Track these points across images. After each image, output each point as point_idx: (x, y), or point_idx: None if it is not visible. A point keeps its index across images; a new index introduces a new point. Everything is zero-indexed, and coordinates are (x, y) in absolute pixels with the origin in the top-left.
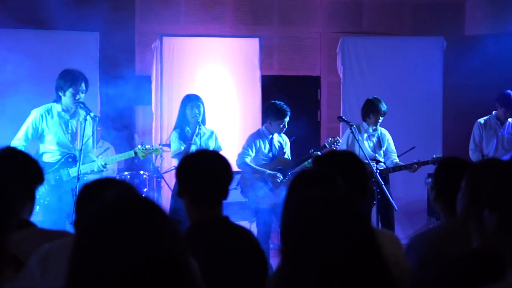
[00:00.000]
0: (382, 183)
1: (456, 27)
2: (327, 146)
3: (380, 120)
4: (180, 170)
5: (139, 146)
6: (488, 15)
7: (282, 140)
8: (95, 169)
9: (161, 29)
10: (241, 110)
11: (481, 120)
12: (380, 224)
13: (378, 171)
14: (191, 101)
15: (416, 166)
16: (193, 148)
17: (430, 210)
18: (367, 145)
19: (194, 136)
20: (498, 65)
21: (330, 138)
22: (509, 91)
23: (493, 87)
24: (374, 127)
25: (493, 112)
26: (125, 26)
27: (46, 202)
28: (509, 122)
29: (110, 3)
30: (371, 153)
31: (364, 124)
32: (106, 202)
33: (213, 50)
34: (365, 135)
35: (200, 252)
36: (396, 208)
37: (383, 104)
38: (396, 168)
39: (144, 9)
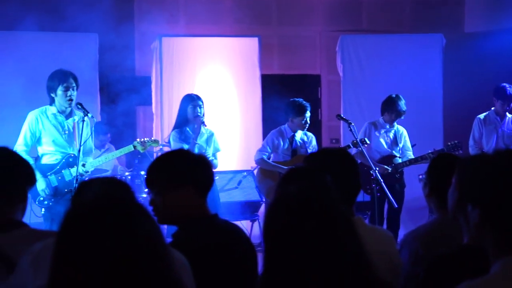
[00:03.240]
0: (382, 181)
1: (455, 24)
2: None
3: (397, 119)
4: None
5: (138, 140)
6: (487, 12)
7: (306, 138)
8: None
9: (160, 30)
10: (241, 110)
11: (481, 116)
12: (384, 222)
13: (393, 165)
14: (193, 100)
15: (431, 155)
16: (196, 148)
17: None
18: (383, 141)
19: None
20: (497, 61)
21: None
22: (504, 84)
23: (492, 83)
24: (391, 124)
25: (492, 108)
26: (124, 27)
27: (50, 204)
28: (509, 117)
29: (109, 4)
30: (387, 149)
31: (381, 120)
32: (81, 201)
33: (212, 50)
34: (382, 131)
35: (193, 250)
36: (396, 205)
37: (403, 102)
38: (412, 161)
39: (142, 10)
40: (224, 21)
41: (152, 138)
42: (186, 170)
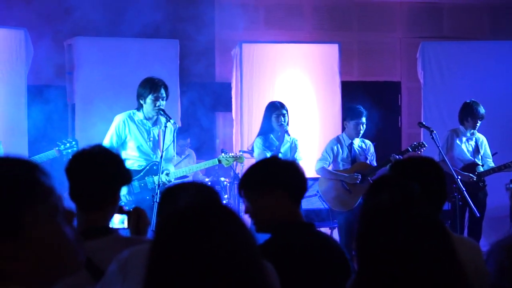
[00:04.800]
0: (464, 189)
1: None
2: (410, 150)
3: (478, 124)
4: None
5: (223, 154)
6: None
7: (364, 145)
8: (162, 181)
9: (240, 36)
10: (321, 117)
11: None
12: (465, 231)
13: (477, 173)
14: (277, 109)
15: None
16: (280, 156)
17: None
18: (465, 149)
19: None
20: None
21: (415, 143)
22: None
23: None
24: (472, 131)
25: None
26: (205, 33)
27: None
28: None
29: (190, 11)
30: (470, 157)
31: (462, 128)
32: (178, 208)
33: (292, 56)
34: (464, 139)
35: (283, 257)
36: (478, 215)
37: (481, 107)
38: (496, 169)
39: (223, 16)
40: (304, 28)
41: (238, 154)
42: (280, 176)
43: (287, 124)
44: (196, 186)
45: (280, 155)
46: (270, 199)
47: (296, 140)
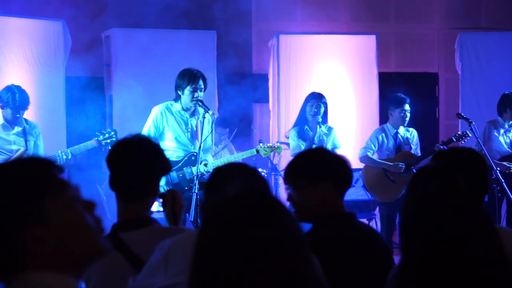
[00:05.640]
0: (503, 181)
1: None
2: (454, 140)
3: None
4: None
5: (261, 144)
6: None
7: (409, 134)
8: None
9: (277, 27)
10: (358, 108)
11: None
12: (504, 222)
13: None
14: (313, 99)
15: None
16: (307, 146)
17: None
18: (503, 141)
19: (315, 137)
20: None
21: (459, 132)
22: None
23: None
24: (510, 123)
25: None
26: (242, 25)
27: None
28: None
29: (228, 2)
30: (507, 149)
31: (500, 119)
32: (229, 198)
33: (329, 48)
34: (501, 131)
35: (323, 248)
36: None
37: None
38: None
39: (260, 8)
40: (341, 19)
41: (276, 145)
42: (329, 168)
43: (323, 115)
44: (242, 172)
45: (314, 146)
46: (317, 190)
47: (333, 128)
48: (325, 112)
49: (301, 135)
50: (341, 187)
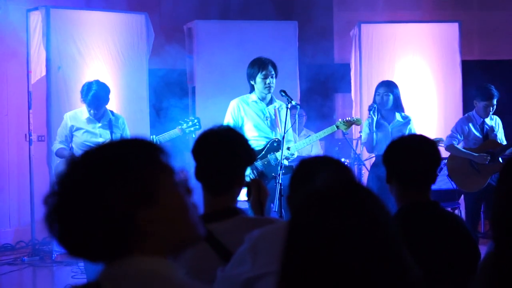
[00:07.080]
0: None
1: None
2: None
3: None
4: (387, 155)
5: (340, 120)
6: None
7: (493, 122)
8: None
9: (359, 17)
10: (440, 97)
11: None
12: None
13: None
14: (379, 88)
15: None
16: (380, 136)
17: None
18: None
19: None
20: None
21: None
22: None
23: None
24: None
25: None
26: (323, 14)
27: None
28: None
29: None
30: None
31: None
32: (318, 188)
33: (411, 36)
34: None
35: (409, 238)
36: None
37: None
38: None
39: None
40: (424, 7)
41: (355, 118)
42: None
43: (393, 104)
44: (334, 163)
45: (379, 135)
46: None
47: (410, 118)
48: (396, 101)
49: (374, 125)
50: (427, 182)
